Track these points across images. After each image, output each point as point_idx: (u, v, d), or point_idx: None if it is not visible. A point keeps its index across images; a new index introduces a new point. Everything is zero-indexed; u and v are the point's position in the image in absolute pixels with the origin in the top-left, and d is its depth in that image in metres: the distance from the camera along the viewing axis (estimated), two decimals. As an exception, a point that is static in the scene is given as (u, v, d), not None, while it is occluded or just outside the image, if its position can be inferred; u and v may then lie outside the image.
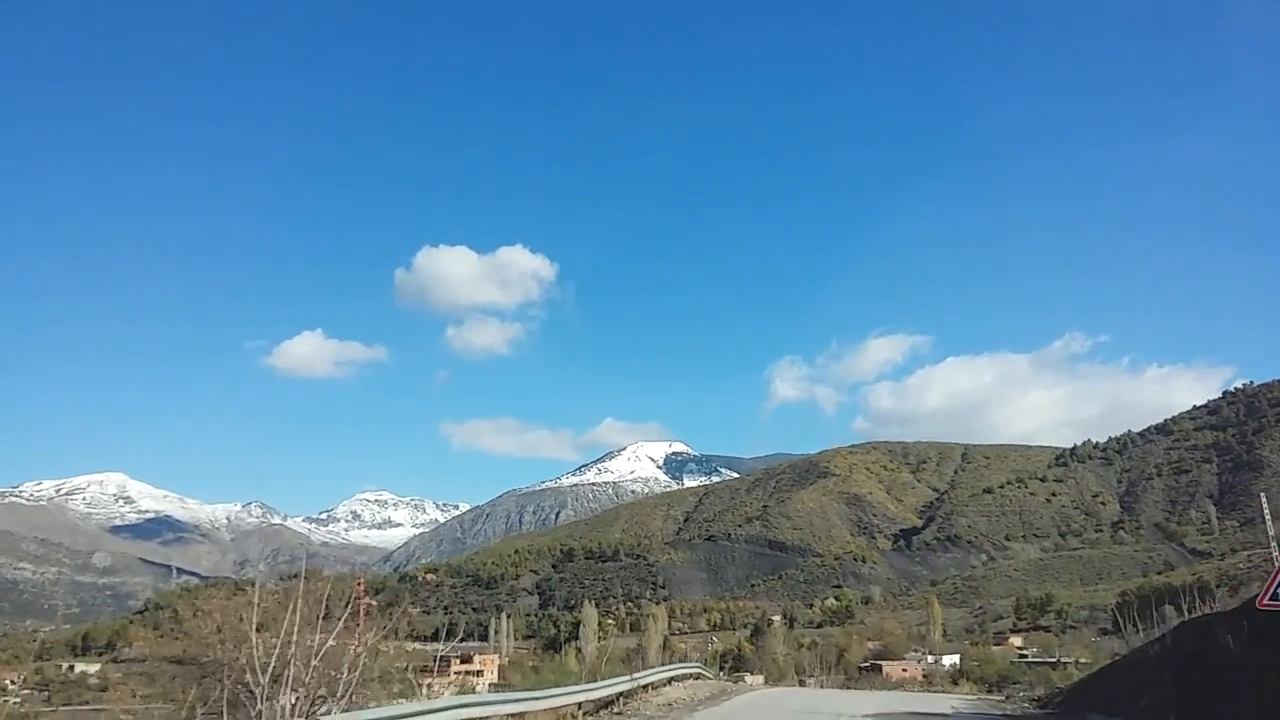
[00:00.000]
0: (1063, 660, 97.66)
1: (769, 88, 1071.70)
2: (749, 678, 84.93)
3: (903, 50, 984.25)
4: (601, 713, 25.54)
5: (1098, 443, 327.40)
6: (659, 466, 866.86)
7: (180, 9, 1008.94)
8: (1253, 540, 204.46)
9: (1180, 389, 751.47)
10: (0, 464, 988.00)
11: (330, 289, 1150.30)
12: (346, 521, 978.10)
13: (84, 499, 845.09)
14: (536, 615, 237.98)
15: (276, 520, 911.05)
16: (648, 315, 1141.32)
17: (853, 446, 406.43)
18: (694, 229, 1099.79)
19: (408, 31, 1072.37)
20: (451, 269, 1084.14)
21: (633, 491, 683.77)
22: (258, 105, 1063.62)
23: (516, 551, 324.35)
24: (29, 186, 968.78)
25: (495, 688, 68.86)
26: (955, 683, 79.53)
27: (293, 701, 16.70)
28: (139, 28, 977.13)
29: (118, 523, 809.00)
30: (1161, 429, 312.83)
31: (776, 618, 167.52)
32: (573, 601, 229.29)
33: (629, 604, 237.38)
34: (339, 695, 17.82)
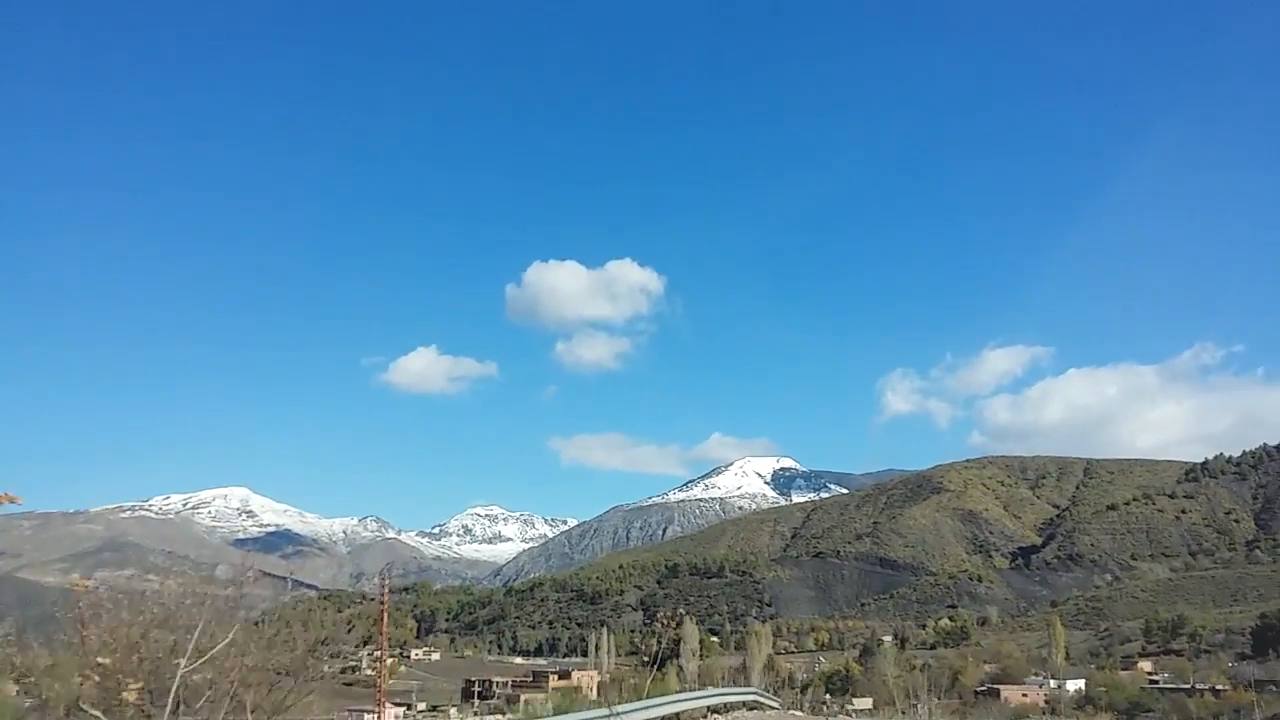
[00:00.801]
0: (1198, 687, 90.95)
1: (898, 103, 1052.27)
2: (856, 702, 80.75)
3: (1036, 67, 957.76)
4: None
5: (1231, 457, 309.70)
6: (767, 482, 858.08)
7: (334, 36, 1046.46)
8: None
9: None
10: (131, 478, 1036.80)
11: (444, 305, 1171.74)
12: (458, 536, 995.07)
13: (209, 513, 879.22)
14: (640, 631, 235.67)
15: (391, 534, 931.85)
16: (758, 329, 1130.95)
17: (968, 461, 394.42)
18: (804, 241, 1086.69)
19: (519, 54, 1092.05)
20: (561, 283, 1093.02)
21: (740, 508, 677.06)
22: (372, 129, 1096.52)
23: (621, 566, 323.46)
24: (162, 199, 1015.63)
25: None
26: (1080, 708, 73.95)
27: None
28: (298, 48, 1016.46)
29: (240, 536, 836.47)
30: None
31: (887, 638, 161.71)
32: (677, 619, 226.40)
33: (734, 621, 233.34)
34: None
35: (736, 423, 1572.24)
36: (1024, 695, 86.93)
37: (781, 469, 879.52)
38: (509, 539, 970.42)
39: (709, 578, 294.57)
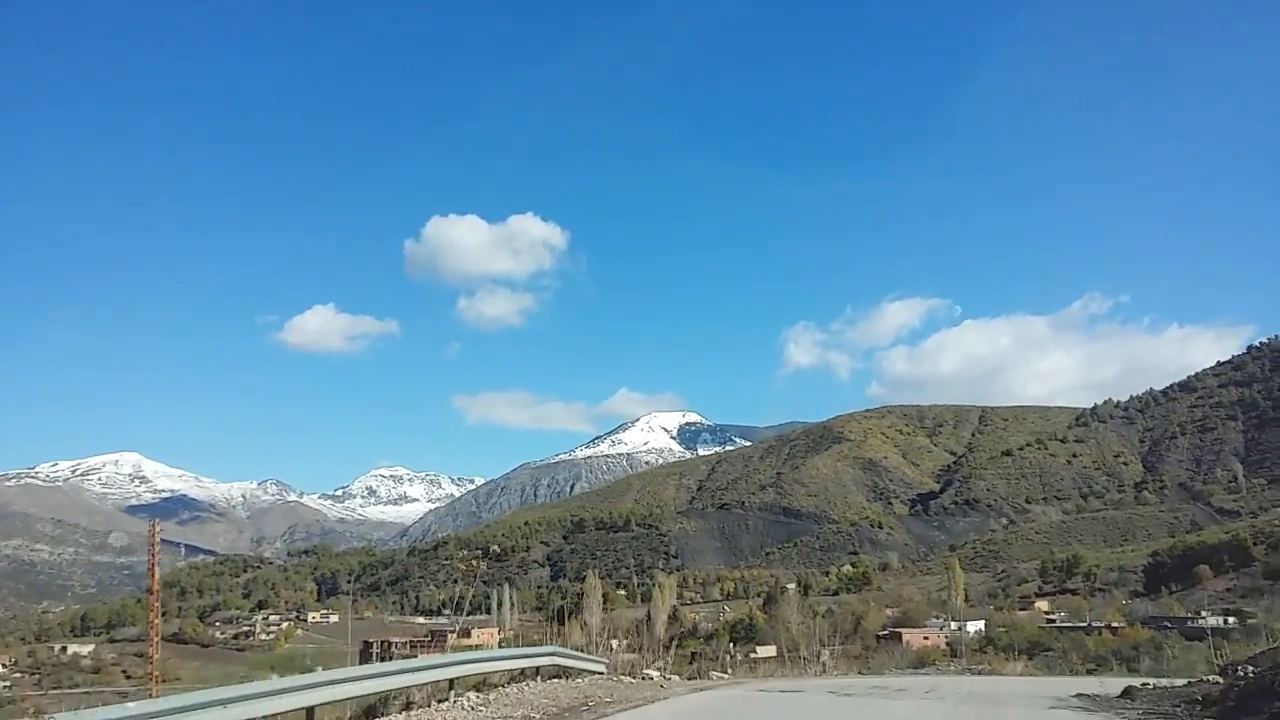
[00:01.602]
0: (1094, 625, 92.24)
1: (780, 56, 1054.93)
2: (760, 649, 79.28)
3: (910, 15, 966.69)
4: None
5: (1119, 402, 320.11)
6: (673, 437, 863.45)
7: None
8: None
9: (1201, 349, 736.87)
10: (16, 446, 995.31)
11: (340, 262, 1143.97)
12: (363, 498, 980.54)
13: (100, 479, 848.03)
14: (547, 587, 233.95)
15: (293, 498, 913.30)
16: (661, 284, 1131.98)
17: (867, 411, 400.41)
18: (707, 196, 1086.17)
19: (412, 4, 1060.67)
20: (461, 238, 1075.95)
21: (646, 463, 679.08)
22: (260, 83, 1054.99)
23: (527, 524, 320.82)
24: (35, 166, 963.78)
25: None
26: (981, 649, 73.41)
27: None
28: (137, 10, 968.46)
29: (134, 502, 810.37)
30: (1185, 386, 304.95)
31: (791, 586, 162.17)
32: (584, 573, 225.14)
33: (641, 574, 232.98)
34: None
35: (643, 379, 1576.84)
36: (925, 638, 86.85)
37: (687, 423, 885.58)
38: (415, 499, 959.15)
39: (615, 531, 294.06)
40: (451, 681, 18.96)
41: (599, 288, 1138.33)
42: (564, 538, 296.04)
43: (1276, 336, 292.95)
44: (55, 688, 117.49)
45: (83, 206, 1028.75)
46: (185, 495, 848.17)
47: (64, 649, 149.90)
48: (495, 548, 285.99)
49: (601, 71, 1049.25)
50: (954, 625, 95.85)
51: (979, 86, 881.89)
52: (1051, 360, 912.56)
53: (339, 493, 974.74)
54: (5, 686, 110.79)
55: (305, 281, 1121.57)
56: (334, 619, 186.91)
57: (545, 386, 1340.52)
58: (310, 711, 13.89)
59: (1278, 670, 14.55)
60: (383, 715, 17.39)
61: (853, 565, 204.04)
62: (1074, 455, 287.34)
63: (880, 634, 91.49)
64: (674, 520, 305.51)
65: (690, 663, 65.21)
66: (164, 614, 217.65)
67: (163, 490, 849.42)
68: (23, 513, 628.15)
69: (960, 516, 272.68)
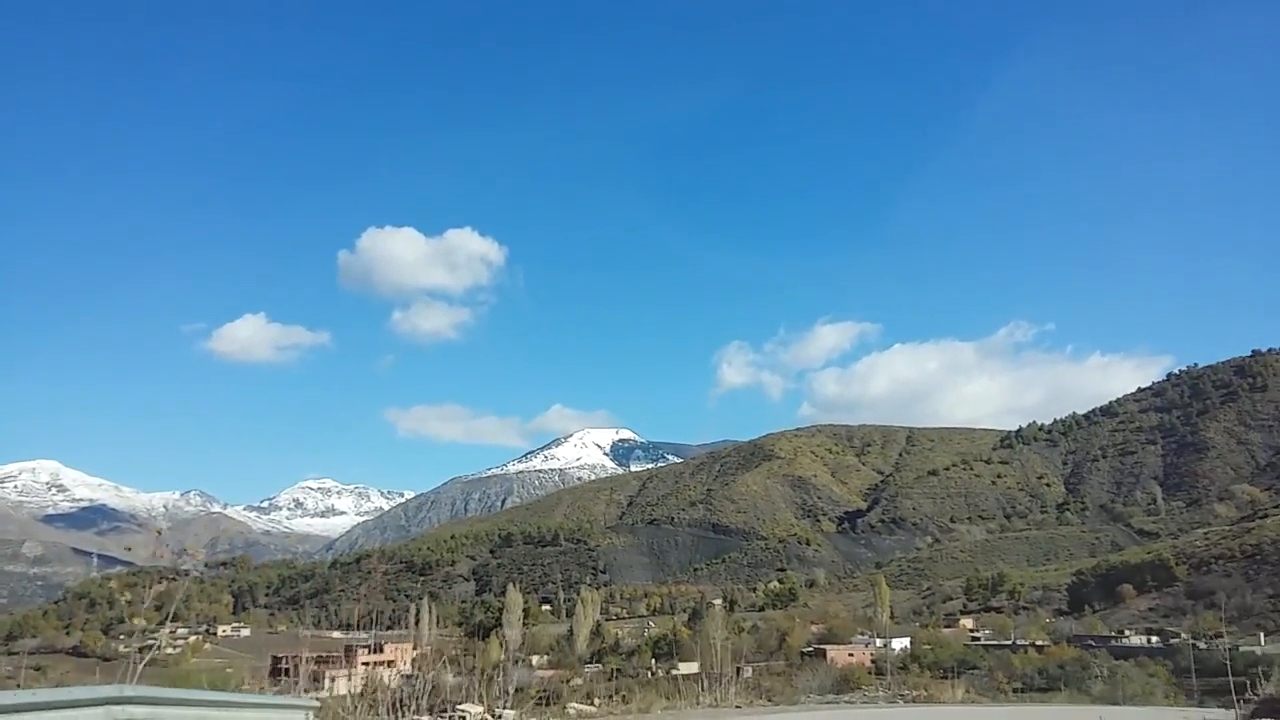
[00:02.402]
0: (1019, 643, 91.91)
1: (727, 79, 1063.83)
2: (682, 665, 77.26)
3: (861, 47, 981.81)
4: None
5: (1043, 425, 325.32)
6: (606, 454, 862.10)
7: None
8: (1200, 520, 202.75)
9: (1121, 376, 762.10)
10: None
11: (271, 271, 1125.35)
12: (289, 510, 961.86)
13: (15, 487, 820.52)
14: (471, 602, 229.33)
15: (216, 508, 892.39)
16: (598, 302, 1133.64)
17: (797, 430, 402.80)
18: (644, 217, 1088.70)
19: (355, 16, 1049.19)
20: (397, 251, 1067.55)
21: (579, 479, 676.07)
22: (193, 92, 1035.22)
23: (453, 537, 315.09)
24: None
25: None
26: (905, 667, 72.28)
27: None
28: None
29: (50, 511, 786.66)
30: (1106, 411, 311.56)
31: (717, 601, 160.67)
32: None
33: (568, 589, 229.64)
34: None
35: (577, 395, 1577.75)
36: (850, 655, 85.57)
37: (620, 440, 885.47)
38: (343, 512, 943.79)
39: (543, 546, 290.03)
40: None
41: (536, 304, 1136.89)
42: (491, 552, 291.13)
43: (1194, 365, 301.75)
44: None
45: (10, 209, 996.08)
46: (105, 505, 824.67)
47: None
48: (418, 560, 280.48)
49: (544, 91, 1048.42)
50: (879, 642, 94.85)
51: (911, 118, 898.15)
52: (977, 385, 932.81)
53: (265, 504, 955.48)
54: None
55: (235, 290, 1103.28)
56: (246, 633, 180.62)
57: (479, 401, 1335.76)
58: None
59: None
60: None
61: (780, 581, 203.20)
62: (998, 476, 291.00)
63: (805, 650, 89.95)
64: (603, 535, 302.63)
65: (609, 679, 62.86)
66: (68, 626, 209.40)
67: (81, 499, 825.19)
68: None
69: (887, 534, 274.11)
